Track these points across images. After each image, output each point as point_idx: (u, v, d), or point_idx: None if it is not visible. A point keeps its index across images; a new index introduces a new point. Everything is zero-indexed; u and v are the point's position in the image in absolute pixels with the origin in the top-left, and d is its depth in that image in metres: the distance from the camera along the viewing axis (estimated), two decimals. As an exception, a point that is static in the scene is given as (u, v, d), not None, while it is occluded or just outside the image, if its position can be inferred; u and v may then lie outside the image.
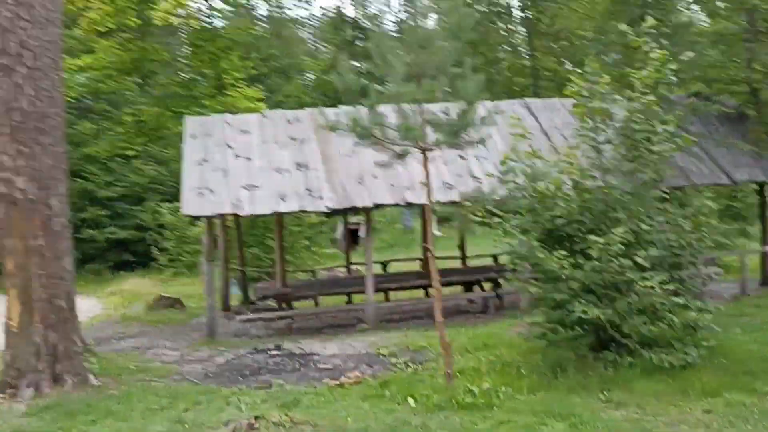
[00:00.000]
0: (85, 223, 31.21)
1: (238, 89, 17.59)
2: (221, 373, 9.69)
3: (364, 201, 12.46)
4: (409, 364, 9.40)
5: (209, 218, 12.39)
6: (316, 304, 16.74)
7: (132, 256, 31.54)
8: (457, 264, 17.62)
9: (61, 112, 9.18)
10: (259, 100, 17.90)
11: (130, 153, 19.85)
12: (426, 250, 7.42)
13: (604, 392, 7.08)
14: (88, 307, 21.39)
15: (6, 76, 8.45)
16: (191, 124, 13.79)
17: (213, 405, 7.56)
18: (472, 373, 8.04)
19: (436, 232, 41.59)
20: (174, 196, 31.89)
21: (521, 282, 8.21)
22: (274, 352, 10.72)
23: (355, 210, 12.52)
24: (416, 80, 7.26)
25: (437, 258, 16.21)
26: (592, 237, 7.45)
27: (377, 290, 14.79)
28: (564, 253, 7.53)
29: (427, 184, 7.69)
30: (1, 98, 8.47)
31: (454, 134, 7.28)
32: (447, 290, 17.82)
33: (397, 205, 12.76)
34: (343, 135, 8.25)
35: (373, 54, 7.59)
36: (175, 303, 17.31)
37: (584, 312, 7.30)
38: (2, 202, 8.53)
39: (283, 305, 14.97)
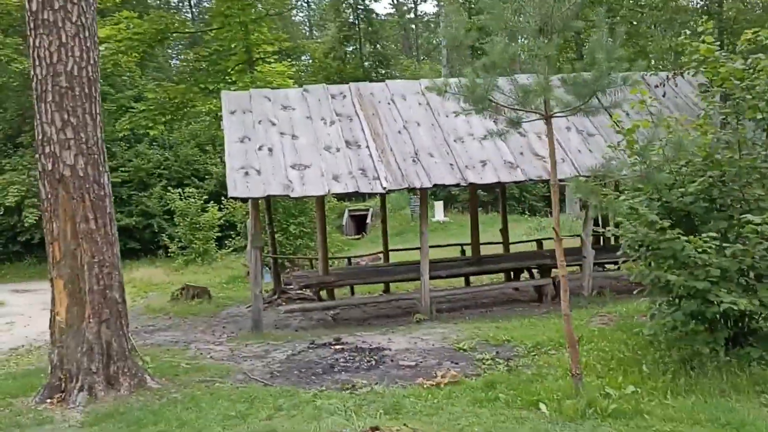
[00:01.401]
0: (88, 209, 30.04)
1: (269, 64, 16.47)
2: (288, 371, 8.68)
3: (422, 181, 11.44)
4: (498, 360, 8.45)
5: (255, 200, 11.32)
6: (353, 293, 15.78)
7: (138, 243, 30.40)
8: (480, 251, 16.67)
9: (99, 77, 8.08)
10: (289, 76, 16.78)
11: (153, 132, 18.66)
12: (554, 232, 6.38)
13: (766, 394, 6.14)
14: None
15: (50, 33, 7.34)
16: (229, 99, 12.69)
17: (303, 411, 6.56)
18: (589, 372, 7.08)
19: (442, 218, 40.79)
20: (180, 182, 30.87)
21: (643, 268, 7.22)
22: (337, 347, 9.72)
23: (412, 190, 11.46)
24: (543, 34, 6.22)
25: (451, 245, 15.25)
26: (749, 216, 6.48)
27: (413, 279, 13.84)
28: (713, 234, 6.56)
29: (552, 158, 6.64)
30: (43, 59, 7.36)
31: (587, 97, 6.25)
32: (485, 278, 16.96)
33: (457, 185, 11.75)
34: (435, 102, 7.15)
35: (486, 5, 6.55)
36: (201, 293, 16.26)
37: (733, 303, 6.34)
38: (47, 180, 7.46)
39: (314, 295, 14.01)
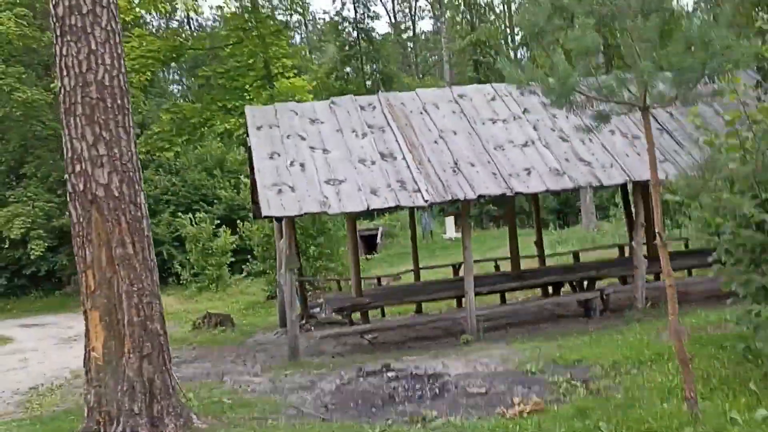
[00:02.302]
0: (95, 239, 29.28)
1: (288, 79, 15.85)
2: (343, 403, 7.91)
3: (465, 192, 10.74)
4: (574, 383, 7.68)
5: (291, 219, 10.60)
6: (383, 314, 15.04)
7: (147, 272, 29.57)
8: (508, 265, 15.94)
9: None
10: (309, 91, 16.14)
11: (168, 155, 17.99)
12: (658, 236, 5.64)
13: None
14: (115, 328, 19.54)
15: (78, 40, 6.67)
16: (254, 114, 12.03)
17: (380, 450, 5.79)
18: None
19: (454, 235, 40.01)
20: (189, 207, 30.15)
21: (745, 275, 6.48)
22: (390, 374, 8.95)
23: (455, 202, 10.76)
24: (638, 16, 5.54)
25: (484, 261, 14.48)
26: None
27: (456, 297, 13.14)
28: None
29: (651, 153, 5.93)
30: (71, 68, 6.68)
31: (690, 84, 5.56)
32: (518, 294, 16.21)
33: (503, 195, 11.04)
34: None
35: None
36: (224, 320, 15.49)
37: None
38: (79, 201, 6.74)
39: (345, 318, 13.25)
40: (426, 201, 10.49)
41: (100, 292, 6.78)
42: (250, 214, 23.47)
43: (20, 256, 29.81)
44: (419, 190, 10.63)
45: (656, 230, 5.76)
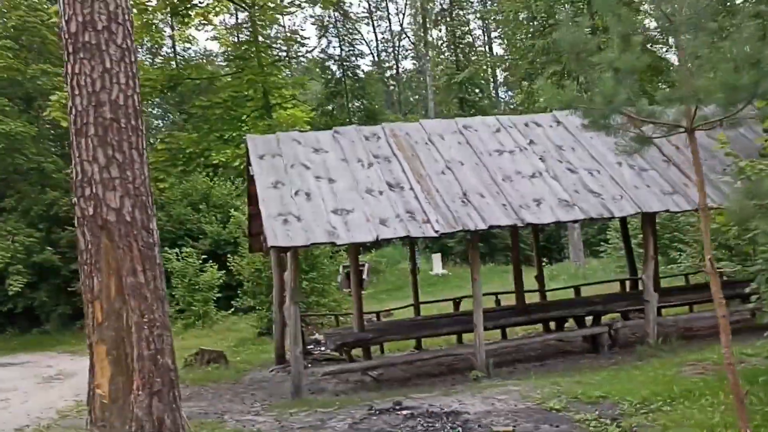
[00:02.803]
0: (76, 275, 28.47)
1: (287, 108, 15.59)
2: (361, 444, 7.47)
3: (476, 223, 10.47)
4: (604, 421, 7.33)
5: (296, 250, 10.23)
6: (382, 351, 14.60)
7: (129, 309, 28.79)
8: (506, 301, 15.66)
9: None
10: (307, 122, 15.90)
11: (163, 186, 17.55)
12: (709, 263, 5.36)
13: None
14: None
15: (92, 58, 6.35)
16: (256, 143, 11.72)
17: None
18: None
19: (441, 271, 39.65)
20: (174, 242, 29.52)
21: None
22: (404, 412, 8.52)
23: (467, 233, 10.47)
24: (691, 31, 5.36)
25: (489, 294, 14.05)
26: None
27: (463, 331, 12.79)
28: None
29: (700, 176, 5.68)
30: (84, 87, 6.35)
31: (739, 104, 5.35)
32: (518, 329, 15.86)
33: (513, 226, 10.79)
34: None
35: (603, 6, 5.72)
36: (217, 357, 14.93)
37: None
38: (88, 226, 6.34)
39: (344, 355, 12.81)
40: (437, 232, 10.20)
41: (108, 324, 6.34)
42: (239, 248, 23.01)
43: (-5, 293, 28.91)
44: (429, 221, 10.35)
45: (707, 257, 5.49)
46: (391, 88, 65.54)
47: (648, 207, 11.12)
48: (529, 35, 17.42)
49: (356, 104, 48.39)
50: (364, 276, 38.45)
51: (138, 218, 6.42)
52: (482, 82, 44.88)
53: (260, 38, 14.68)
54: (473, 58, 46.25)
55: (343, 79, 47.92)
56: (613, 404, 7.93)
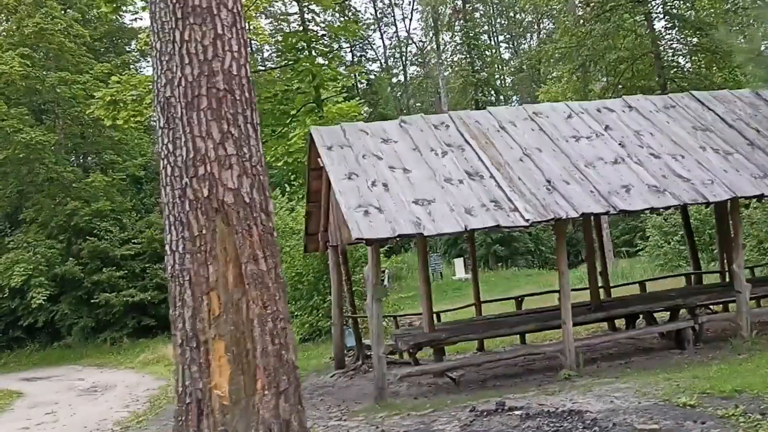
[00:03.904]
0: (98, 286, 27.86)
1: (335, 104, 14.99)
2: (487, 447, 6.82)
3: (566, 211, 9.85)
4: (753, 415, 6.70)
5: (378, 244, 9.61)
6: (444, 352, 13.96)
7: (153, 320, 28.20)
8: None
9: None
10: (356, 114, 15.26)
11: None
12: None
13: None
14: (135, 380, 18.25)
15: (203, 23, 5.74)
16: (321, 134, 11.12)
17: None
18: None
19: (464, 276, 38.98)
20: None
21: None
22: (517, 412, 7.87)
23: (558, 221, 9.86)
24: None
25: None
26: None
27: (542, 329, 12.16)
28: None
29: None
30: (195, 56, 5.74)
31: None
32: (589, 327, 15.18)
33: (606, 213, 10.18)
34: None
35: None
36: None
37: None
38: (201, 210, 5.70)
39: (410, 357, 12.16)
40: (527, 220, 9.58)
41: (226, 317, 5.70)
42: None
43: (16, 307, 28.26)
44: (517, 210, 9.73)
45: None
46: (399, 93, 65.14)
47: (741, 191, 10.52)
48: (585, 22, 16.94)
49: (367, 110, 47.88)
50: (385, 282, 37.83)
51: (257, 199, 5.79)
52: (498, 83, 44.37)
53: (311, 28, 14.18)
54: (488, 59, 45.79)
55: (355, 84, 47.41)
56: (753, 398, 7.29)
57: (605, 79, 17.92)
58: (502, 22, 59.33)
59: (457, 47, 46.23)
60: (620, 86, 15.53)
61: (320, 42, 14.60)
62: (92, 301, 27.66)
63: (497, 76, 49.82)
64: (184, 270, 7.83)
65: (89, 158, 32.59)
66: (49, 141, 27.11)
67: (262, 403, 5.61)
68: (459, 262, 39.12)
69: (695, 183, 10.59)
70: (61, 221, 28.44)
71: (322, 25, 15.14)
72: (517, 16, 55.52)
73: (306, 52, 14.18)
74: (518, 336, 13.67)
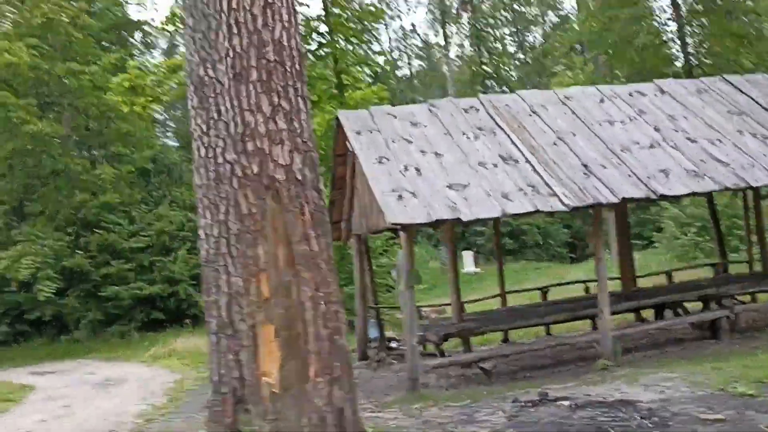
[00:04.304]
0: (107, 279, 27.51)
1: (359, 88, 14.68)
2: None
3: (605, 196, 9.57)
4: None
5: (412, 230, 9.32)
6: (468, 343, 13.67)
7: (162, 313, 27.85)
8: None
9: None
10: (381, 99, 14.92)
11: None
12: None
13: None
14: (148, 374, 17.94)
15: (251, -9, 5.45)
16: (349, 118, 10.86)
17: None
18: None
19: (473, 269, 38.65)
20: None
21: None
22: (566, 403, 7.59)
23: (598, 207, 9.57)
24: None
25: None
26: None
27: (573, 319, 11.88)
28: None
29: None
30: (243, 25, 5.45)
31: None
32: (615, 318, 14.89)
33: (646, 198, 9.89)
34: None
35: None
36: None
37: None
38: (251, 188, 5.42)
39: (436, 348, 11.88)
40: (566, 205, 9.30)
41: (276, 300, 5.41)
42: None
43: (22, 301, 27.91)
44: (555, 194, 9.45)
45: None
46: (402, 88, 64.74)
47: (784, 175, 10.24)
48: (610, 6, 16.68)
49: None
50: (394, 276, 37.45)
51: (308, 176, 5.50)
52: (511, 74, 44.01)
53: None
54: (495, 52, 45.47)
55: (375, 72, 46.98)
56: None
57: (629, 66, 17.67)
58: (507, 15, 59.06)
59: (465, 39, 45.91)
60: (646, 72, 15.27)
61: (346, 26, 14.25)
62: (100, 294, 27.33)
63: (504, 69, 49.50)
64: (219, 255, 7.55)
65: (94, 152, 32.24)
66: (57, 132, 26.74)
67: (315, 390, 5.34)
68: (468, 255, 38.79)
69: (734, 167, 10.31)
70: (68, 214, 28.09)
71: (348, 12, 14.79)
72: (522, 9, 55.24)
73: (328, 36, 13.88)
74: (544, 327, 13.42)
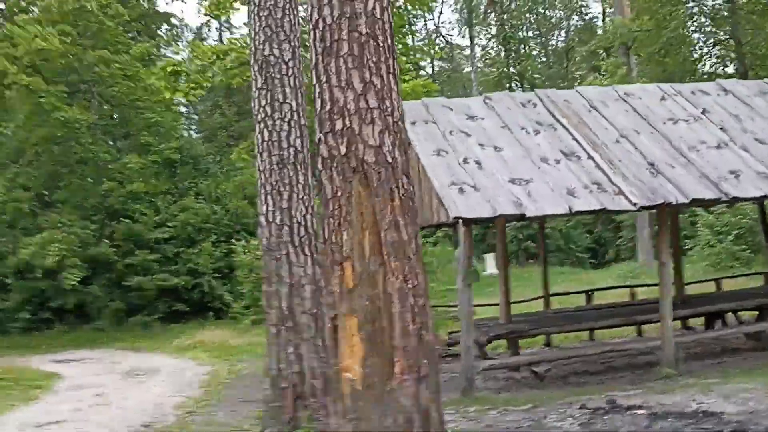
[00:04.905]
0: (131, 269, 27.36)
1: (404, 80, 14.34)
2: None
3: (675, 196, 9.14)
4: None
5: (471, 224, 8.95)
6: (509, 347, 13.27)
7: (185, 305, 27.64)
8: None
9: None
10: (430, 91, 14.51)
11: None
12: None
13: None
14: (178, 365, 17.68)
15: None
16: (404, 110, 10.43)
17: None
18: None
19: (494, 271, 38.11)
20: (230, 237, 28.38)
21: None
22: (641, 412, 7.19)
23: (667, 206, 9.15)
24: None
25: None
26: None
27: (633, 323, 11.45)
28: None
29: None
30: (335, -5, 5.09)
31: None
32: (651, 326, 14.46)
33: (717, 200, 9.47)
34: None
35: None
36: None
37: None
38: (337, 169, 5.05)
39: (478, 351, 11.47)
40: (634, 204, 8.90)
41: (361, 290, 5.04)
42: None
43: (45, 288, 27.79)
44: (622, 192, 9.05)
45: None
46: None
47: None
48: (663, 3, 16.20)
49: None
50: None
51: (398, 159, 5.12)
52: (535, 76, 43.53)
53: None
54: (522, 52, 45.02)
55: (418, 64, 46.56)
56: None
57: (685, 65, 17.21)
58: (532, 17, 58.48)
59: (492, 39, 45.46)
60: (703, 74, 14.80)
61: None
62: (124, 283, 27.17)
63: (530, 71, 49.01)
64: (282, 243, 7.20)
65: (118, 142, 32.12)
66: (87, 120, 26.61)
67: (401, 389, 4.95)
68: (490, 258, 38.32)
69: (807, 170, 9.83)
70: (95, 202, 27.97)
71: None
72: (547, 12, 54.64)
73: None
74: (587, 332, 13.02)
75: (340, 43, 5.07)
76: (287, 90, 7.42)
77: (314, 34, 5.18)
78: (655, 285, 15.83)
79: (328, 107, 5.10)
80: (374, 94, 5.07)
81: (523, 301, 14.55)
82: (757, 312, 11.81)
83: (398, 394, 4.97)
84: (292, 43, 7.58)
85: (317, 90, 5.19)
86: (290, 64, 7.52)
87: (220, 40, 36.55)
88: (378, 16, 5.15)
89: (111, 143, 32.15)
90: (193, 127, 40.28)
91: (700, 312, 11.56)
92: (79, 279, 25.61)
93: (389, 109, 5.13)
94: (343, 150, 5.04)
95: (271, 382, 7.21)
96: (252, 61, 7.53)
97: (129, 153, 29.08)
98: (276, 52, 7.45)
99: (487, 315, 13.22)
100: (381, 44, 5.14)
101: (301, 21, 8.30)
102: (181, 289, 27.67)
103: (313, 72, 5.22)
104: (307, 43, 5.86)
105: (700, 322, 13.08)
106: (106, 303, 27.94)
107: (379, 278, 5.07)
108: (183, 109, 43.61)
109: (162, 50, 39.25)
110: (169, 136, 31.11)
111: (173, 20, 42.81)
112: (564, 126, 10.31)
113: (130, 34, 33.31)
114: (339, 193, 5.08)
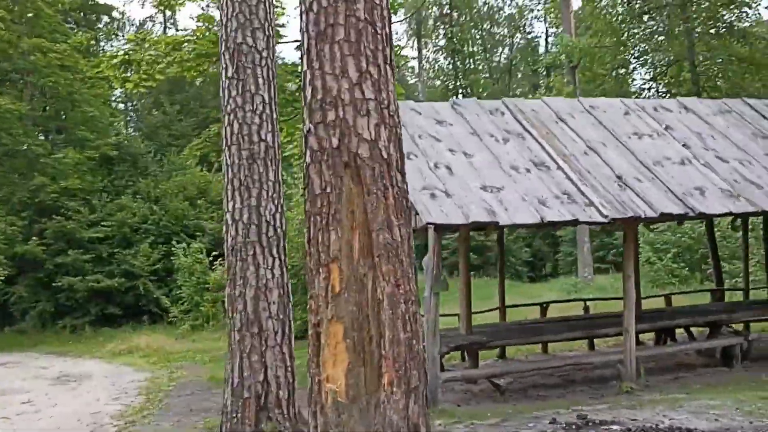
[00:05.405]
0: (61, 269, 25.99)
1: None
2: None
3: (644, 210, 9.09)
4: None
5: (441, 232, 8.66)
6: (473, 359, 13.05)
7: (118, 308, 26.43)
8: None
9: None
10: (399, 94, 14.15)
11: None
12: None
13: None
14: (112, 371, 16.79)
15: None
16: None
17: None
18: None
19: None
20: (168, 239, 27.35)
21: None
22: (615, 428, 7.02)
23: (635, 220, 9.09)
24: None
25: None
26: None
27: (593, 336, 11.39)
28: None
29: None
30: (333, -20, 4.72)
31: None
32: (607, 340, 14.49)
33: (685, 215, 9.45)
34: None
35: None
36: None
37: None
38: (327, 163, 4.67)
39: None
40: (605, 216, 8.78)
41: (348, 295, 4.66)
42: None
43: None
44: (592, 204, 8.93)
45: None
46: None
47: (814, 201, 9.96)
48: (622, 22, 16.40)
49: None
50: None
51: (394, 156, 4.78)
52: (479, 90, 43.91)
53: None
54: (468, 67, 45.44)
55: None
56: None
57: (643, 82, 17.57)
58: (477, 34, 59.24)
59: (439, 51, 45.73)
60: (658, 92, 15.08)
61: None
62: (53, 284, 25.78)
63: (479, 85, 49.56)
64: (249, 243, 6.78)
65: (51, 135, 30.64)
66: (19, 110, 25.23)
67: (389, 402, 4.59)
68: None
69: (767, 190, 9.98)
70: (24, 197, 26.50)
71: None
72: (492, 29, 55.43)
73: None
74: (540, 345, 12.93)
75: (335, 27, 4.70)
76: (260, 81, 6.99)
77: (307, 16, 4.80)
78: (603, 299, 16.06)
79: (319, 96, 4.71)
80: (371, 84, 4.73)
81: (477, 312, 14.35)
82: (707, 328, 11.97)
83: (385, 407, 4.61)
84: (267, 32, 7.16)
85: (308, 77, 4.79)
86: (264, 54, 7.10)
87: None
88: (377, 1, 4.81)
89: (43, 137, 30.67)
90: (131, 124, 38.92)
91: (658, 327, 11.60)
92: (2, 278, 24.18)
93: (386, 102, 4.79)
94: (334, 142, 4.67)
95: (231, 392, 6.71)
96: (222, 49, 7.07)
97: (64, 147, 27.74)
98: (249, 40, 7.01)
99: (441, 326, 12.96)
100: (379, 32, 4.80)
101: (275, 11, 7.88)
102: (115, 291, 26.44)
103: (304, 58, 4.83)
104: (281, 33, 5.47)
105: (649, 337, 13.21)
106: (32, 304, 26.47)
107: (369, 282, 4.71)
108: (121, 106, 42.15)
109: (102, 44, 37.86)
110: (106, 131, 29.87)
111: (114, 13, 41.53)
112: (533, 136, 10.17)
113: (68, 25, 31.95)
114: (328, 189, 4.69)
